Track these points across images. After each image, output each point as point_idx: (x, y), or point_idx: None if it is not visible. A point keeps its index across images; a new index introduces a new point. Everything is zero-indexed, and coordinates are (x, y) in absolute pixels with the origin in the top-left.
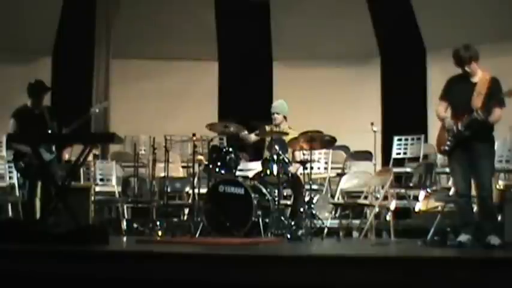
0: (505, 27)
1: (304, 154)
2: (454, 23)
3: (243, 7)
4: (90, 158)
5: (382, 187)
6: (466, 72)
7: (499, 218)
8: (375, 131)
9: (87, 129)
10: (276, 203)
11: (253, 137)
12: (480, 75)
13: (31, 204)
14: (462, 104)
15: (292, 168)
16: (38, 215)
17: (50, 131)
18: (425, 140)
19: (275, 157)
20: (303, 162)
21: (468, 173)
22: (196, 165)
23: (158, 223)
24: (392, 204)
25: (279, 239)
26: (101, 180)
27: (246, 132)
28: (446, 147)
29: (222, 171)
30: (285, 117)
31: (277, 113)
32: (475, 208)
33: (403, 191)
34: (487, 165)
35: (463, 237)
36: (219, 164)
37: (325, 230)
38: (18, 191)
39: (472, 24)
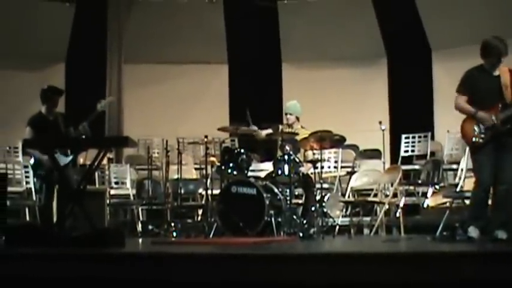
0: (507, 27)
1: (314, 154)
2: (458, 24)
3: (252, 11)
4: (105, 161)
5: (391, 184)
6: (491, 64)
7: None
8: (383, 130)
9: (101, 133)
10: (288, 202)
11: (264, 132)
12: (500, 68)
13: (48, 209)
14: (489, 97)
15: (303, 168)
16: (54, 219)
17: (64, 136)
18: (432, 138)
19: (286, 157)
20: (314, 162)
21: (494, 166)
22: (208, 167)
23: (173, 224)
24: (402, 201)
25: (291, 238)
26: (116, 183)
27: (256, 128)
28: (481, 140)
29: (234, 172)
30: (297, 118)
31: (290, 114)
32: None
33: (411, 188)
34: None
35: (473, 231)
36: (231, 165)
37: (337, 228)
38: (35, 196)
39: (475, 25)
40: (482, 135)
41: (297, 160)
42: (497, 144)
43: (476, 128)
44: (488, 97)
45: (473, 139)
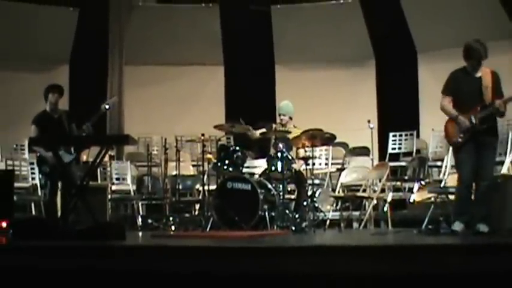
0: (489, 30)
1: (306, 151)
2: (443, 28)
3: (246, 15)
4: (106, 158)
5: (379, 180)
6: (475, 68)
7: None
8: (371, 128)
9: (103, 132)
10: (281, 197)
11: (258, 131)
12: (482, 70)
13: (53, 203)
14: (471, 97)
15: (296, 165)
16: (59, 213)
17: (68, 134)
18: (418, 136)
19: (279, 154)
20: (306, 159)
21: (475, 164)
22: (205, 164)
23: (171, 218)
24: (389, 196)
25: (284, 231)
26: (117, 179)
27: (251, 128)
28: (460, 139)
29: (230, 169)
30: (290, 117)
31: (284, 115)
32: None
33: (398, 183)
34: (492, 157)
35: (458, 226)
36: (226, 162)
37: (327, 222)
38: (40, 191)
39: (459, 29)
40: (462, 135)
41: (290, 157)
42: (478, 143)
43: (457, 128)
44: (470, 98)
45: (454, 138)
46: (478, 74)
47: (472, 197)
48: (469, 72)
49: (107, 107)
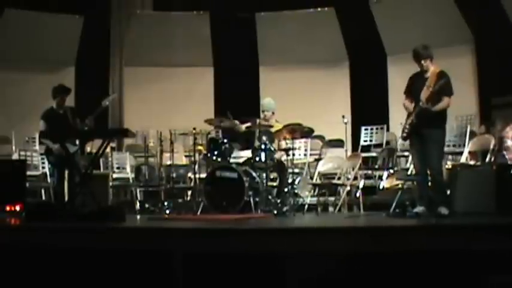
0: (451, 35)
1: (287, 143)
2: (409, 34)
3: (233, 21)
4: (108, 149)
5: (353, 169)
6: (422, 68)
7: (448, 192)
8: (345, 123)
9: (105, 126)
10: (264, 184)
11: (243, 125)
12: (431, 71)
13: (60, 190)
14: (418, 96)
15: (277, 155)
16: (66, 199)
17: (72, 127)
18: (387, 129)
19: (263, 146)
20: (286, 150)
21: (422, 154)
22: (196, 154)
23: (166, 203)
24: (361, 183)
25: (267, 215)
26: (117, 168)
27: (237, 122)
28: (404, 134)
29: (218, 159)
30: (272, 113)
31: (266, 111)
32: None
33: (369, 172)
34: (435, 149)
35: (419, 209)
36: (215, 152)
37: (306, 206)
38: (50, 179)
39: (424, 34)
40: (406, 130)
41: (272, 149)
42: (422, 136)
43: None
44: (417, 97)
45: (403, 133)
46: (427, 75)
47: (429, 183)
48: (422, 73)
49: (107, 103)
